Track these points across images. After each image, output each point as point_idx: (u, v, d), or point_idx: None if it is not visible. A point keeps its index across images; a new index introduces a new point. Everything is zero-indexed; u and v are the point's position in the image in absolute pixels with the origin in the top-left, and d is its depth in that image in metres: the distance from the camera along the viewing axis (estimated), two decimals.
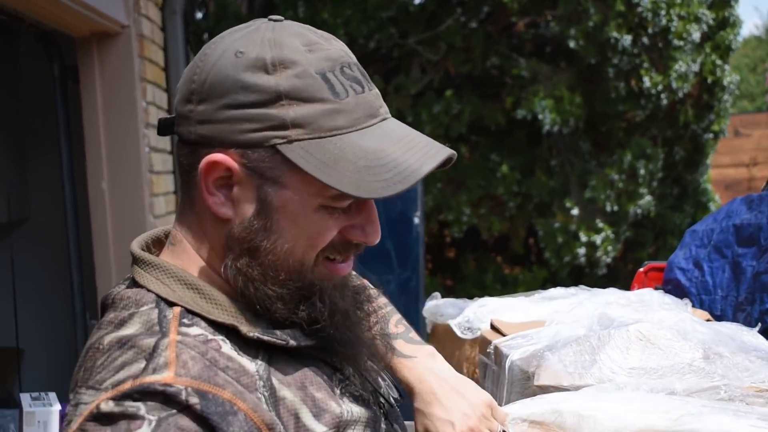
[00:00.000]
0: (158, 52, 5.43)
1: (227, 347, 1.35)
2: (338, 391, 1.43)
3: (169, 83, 5.62)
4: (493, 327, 2.45)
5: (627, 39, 7.78)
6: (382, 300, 1.78)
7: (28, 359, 5.85)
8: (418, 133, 1.39)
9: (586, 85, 8.23)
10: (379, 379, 1.58)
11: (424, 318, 3.14)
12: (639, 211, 8.32)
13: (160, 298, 1.39)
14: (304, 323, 1.40)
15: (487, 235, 8.85)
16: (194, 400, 1.23)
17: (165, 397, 1.23)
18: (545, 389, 1.94)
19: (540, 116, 7.89)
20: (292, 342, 1.39)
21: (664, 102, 8.15)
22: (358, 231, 1.41)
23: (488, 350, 2.33)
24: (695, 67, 8.21)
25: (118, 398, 1.24)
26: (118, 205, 4.94)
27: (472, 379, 2.78)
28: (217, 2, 8.41)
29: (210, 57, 1.36)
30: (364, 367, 1.52)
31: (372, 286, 1.77)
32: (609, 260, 8.31)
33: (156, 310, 1.37)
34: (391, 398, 1.58)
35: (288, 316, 1.40)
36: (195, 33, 7.53)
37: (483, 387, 2.58)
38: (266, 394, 1.33)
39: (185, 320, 1.36)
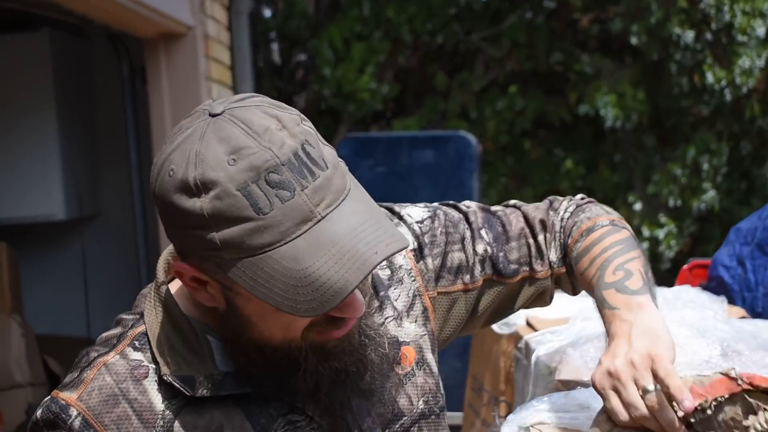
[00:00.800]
0: (224, 51, 5.57)
1: (152, 379, 1.45)
2: None
3: (235, 81, 5.76)
4: (528, 323, 2.53)
5: (689, 35, 7.77)
6: (610, 239, 1.66)
7: None
8: (362, 224, 1.35)
9: (650, 80, 8.23)
10: (371, 425, 1.56)
11: None
12: (703, 206, 8.30)
13: (143, 313, 1.50)
14: (288, 393, 1.46)
15: None
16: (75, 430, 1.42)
17: (56, 418, 1.43)
18: (566, 384, 2.01)
19: (602, 112, 7.91)
20: (202, 392, 1.44)
21: (728, 97, 8.12)
22: (336, 310, 1.37)
23: (519, 345, 2.41)
24: (760, 63, 8.16)
25: (42, 405, 1.46)
26: None
27: (507, 373, 2.86)
28: (286, 1, 8.56)
29: (155, 168, 1.37)
30: (350, 413, 1.52)
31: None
32: (672, 255, 8.30)
33: (131, 323, 1.51)
34: None
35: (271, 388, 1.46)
36: (262, 32, 7.68)
37: (514, 381, 2.66)
38: None
39: (137, 342, 1.47)
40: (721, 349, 2.06)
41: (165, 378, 1.43)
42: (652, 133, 8.59)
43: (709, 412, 1.46)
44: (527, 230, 1.71)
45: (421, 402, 1.61)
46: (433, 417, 1.62)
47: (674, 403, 1.44)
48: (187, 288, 1.42)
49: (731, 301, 2.99)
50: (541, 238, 1.72)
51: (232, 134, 1.32)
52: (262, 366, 1.44)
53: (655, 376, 1.46)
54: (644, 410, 1.45)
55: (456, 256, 1.66)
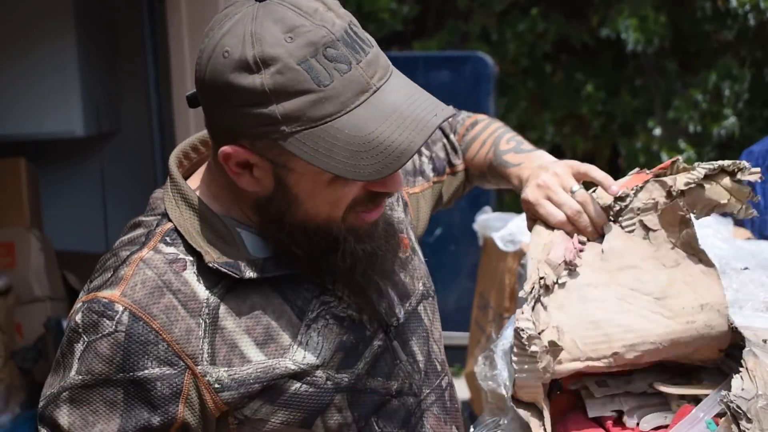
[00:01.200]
0: None
1: (191, 270, 1.49)
2: (313, 315, 1.54)
3: None
4: None
5: None
6: (493, 126, 1.94)
7: None
8: (414, 95, 1.44)
9: (672, 4, 8.14)
10: (391, 301, 1.66)
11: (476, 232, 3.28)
12: (723, 132, 8.25)
13: (166, 212, 1.54)
14: (326, 273, 1.54)
15: (570, 154, 8.87)
16: (122, 327, 1.43)
17: (101, 317, 1.44)
18: None
19: (623, 35, 7.85)
20: (250, 274, 1.49)
21: (752, 22, 8.03)
22: (379, 184, 1.48)
23: (523, 261, 2.44)
24: None
25: (79, 310, 1.47)
26: (200, 119, 5.09)
27: (512, 290, 2.90)
28: None
29: (204, 54, 1.43)
30: (375, 292, 1.61)
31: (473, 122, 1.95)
32: None
33: (156, 222, 1.54)
34: (394, 319, 1.65)
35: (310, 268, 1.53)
36: None
37: (518, 297, 2.71)
38: (207, 321, 1.47)
39: (168, 238, 1.51)
40: (720, 267, 2.08)
41: (211, 265, 1.48)
42: (674, 58, 8.52)
43: (629, 199, 1.70)
44: (440, 132, 1.91)
45: (420, 284, 1.75)
46: (430, 299, 1.76)
47: (597, 201, 1.70)
48: (230, 173, 1.48)
49: (740, 224, 3.01)
50: (452, 137, 1.93)
51: (285, 15, 1.39)
52: (305, 246, 1.51)
53: (578, 177, 1.72)
54: (575, 205, 1.68)
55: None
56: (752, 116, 8.84)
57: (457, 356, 4.46)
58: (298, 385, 1.51)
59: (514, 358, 1.62)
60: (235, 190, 1.53)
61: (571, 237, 1.71)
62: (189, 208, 1.53)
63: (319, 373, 1.52)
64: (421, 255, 1.78)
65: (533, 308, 1.64)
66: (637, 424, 1.67)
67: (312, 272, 1.54)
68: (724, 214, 2.88)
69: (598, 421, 1.70)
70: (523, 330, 1.59)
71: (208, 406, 1.48)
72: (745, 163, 1.72)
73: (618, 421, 1.70)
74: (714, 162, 1.73)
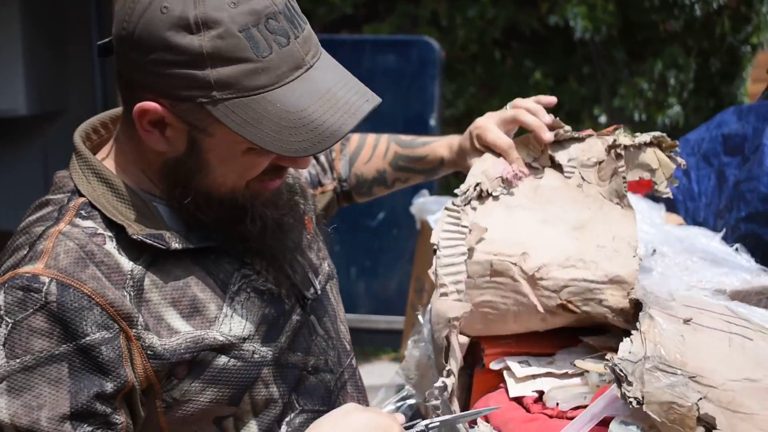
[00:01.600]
0: None
1: (111, 244, 1.46)
2: (235, 288, 1.53)
3: None
4: None
5: None
6: (372, 134, 2.05)
7: None
8: (344, 77, 1.44)
9: None
10: (305, 275, 1.68)
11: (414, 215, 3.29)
12: (667, 121, 8.32)
13: (76, 189, 1.50)
14: (238, 241, 1.53)
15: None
16: (52, 297, 1.37)
17: (27, 292, 1.37)
18: None
19: (572, 23, 7.89)
20: (176, 245, 1.48)
21: (698, 12, 8.10)
22: (290, 160, 1.49)
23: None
24: None
25: None
26: None
27: None
28: None
29: (138, 6, 1.38)
30: (289, 265, 1.62)
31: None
32: None
33: (66, 198, 1.50)
34: (311, 292, 1.68)
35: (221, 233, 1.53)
36: None
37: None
38: (132, 293, 1.44)
39: (83, 212, 1.48)
40: (645, 251, 2.11)
41: (135, 237, 1.46)
42: (622, 47, 8.57)
43: (568, 134, 1.96)
44: None
45: (326, 264, 1.77)
46: (334, 279, 1.79)
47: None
48: (140, 130, 1.45)
49: (674, 211, 3.06)
50: (322, 158, 2.02)
51: None
52: (210, 213, 1.50)
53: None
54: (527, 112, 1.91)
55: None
56: (697, 106, 8.93)
57: (398, 341, 4.48)
58: (226, 359, 1.50)
59: (443, 235, 1.75)
60: (142, 157, 1.51)
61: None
62: (102, 183, 1.50)
63: (246, 346, 1.52)
64: (321, 237, 1.81)
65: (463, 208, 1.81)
66: (557, 404, 1.69)
67: (226, 239, 1.53)
68: (657, 200, 2.94)
69: (520, 401, 1.73)
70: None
71: (138, 371, 1.44)
72: (678, 149, 1.92)
73: (539, 401, 1.72)
74: (657, 132, 1.95)
